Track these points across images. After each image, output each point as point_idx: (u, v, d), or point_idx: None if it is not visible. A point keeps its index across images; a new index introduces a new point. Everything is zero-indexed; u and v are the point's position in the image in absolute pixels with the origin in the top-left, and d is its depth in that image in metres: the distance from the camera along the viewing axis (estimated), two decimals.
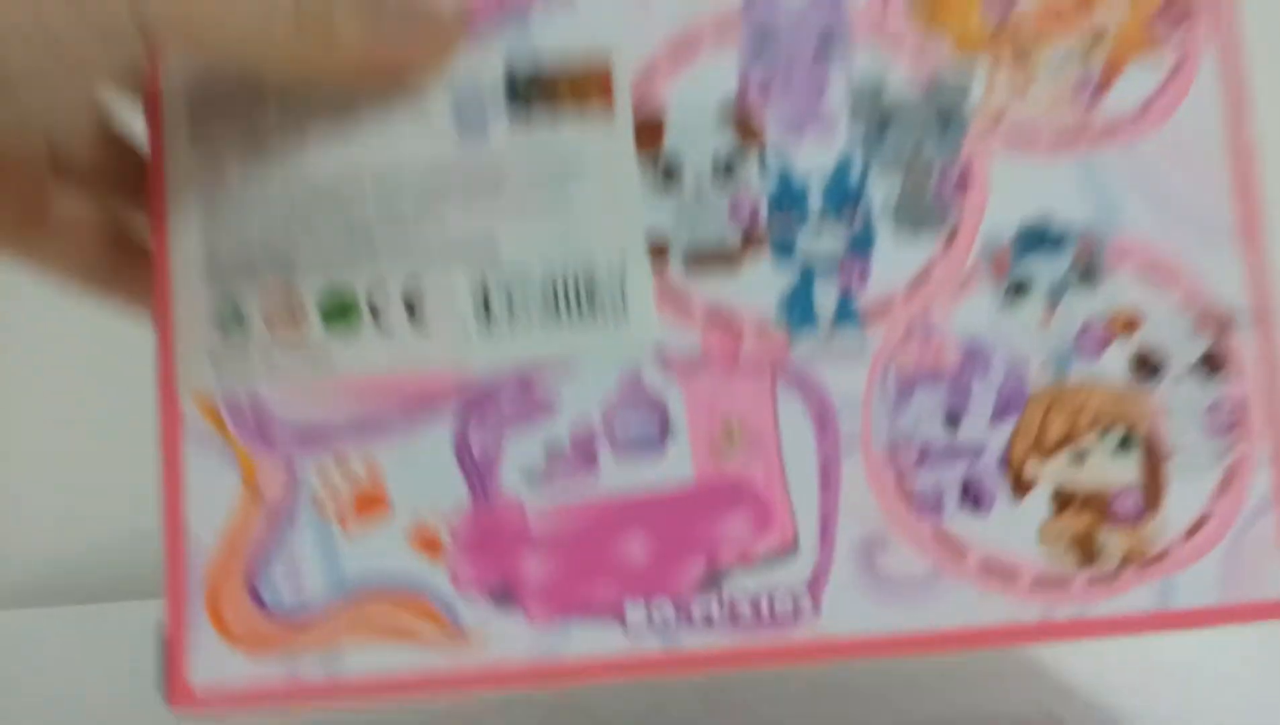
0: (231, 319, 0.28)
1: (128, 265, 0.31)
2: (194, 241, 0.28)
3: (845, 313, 0.29)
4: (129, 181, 0.30)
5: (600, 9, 0.30)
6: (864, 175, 0.29)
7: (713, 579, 0.28)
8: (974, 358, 0.29)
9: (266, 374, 0.28)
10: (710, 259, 0.29)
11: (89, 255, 0.31)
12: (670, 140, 0.29)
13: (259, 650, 0.28)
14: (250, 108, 0.29)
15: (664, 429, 0.28)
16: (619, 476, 0.29)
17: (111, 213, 0.32)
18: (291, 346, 0.28)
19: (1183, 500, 0.29)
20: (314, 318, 0.28)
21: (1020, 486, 0.29)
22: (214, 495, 0.28)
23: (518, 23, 0.30)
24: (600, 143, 0.29)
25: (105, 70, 0.26)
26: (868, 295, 0.30)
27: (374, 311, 0.28)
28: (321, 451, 0.28)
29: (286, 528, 0.28)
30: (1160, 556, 0.29)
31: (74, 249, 0.31)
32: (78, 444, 0.59)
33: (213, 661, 0.28)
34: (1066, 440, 0.29)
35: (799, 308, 0.29)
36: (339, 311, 0.28)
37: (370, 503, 0.28)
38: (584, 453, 0.28)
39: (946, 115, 0.30)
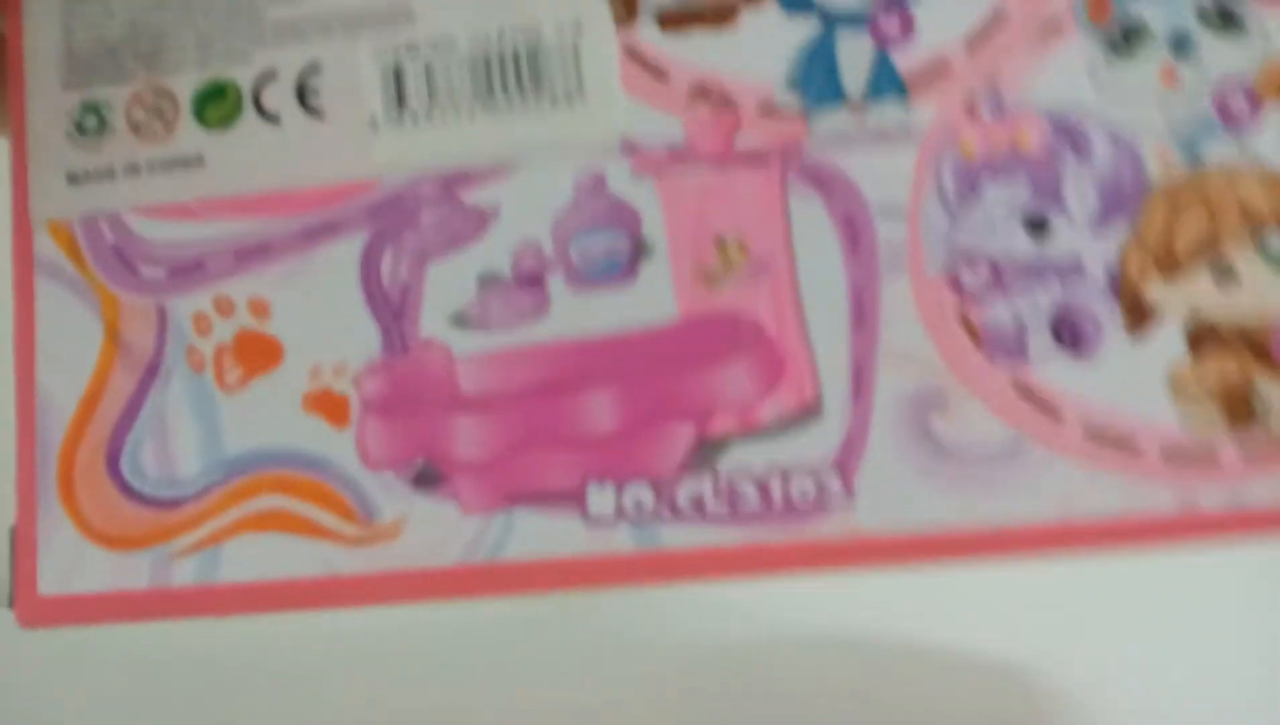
0: (92, 121, 0.22)
1: None
2: (51, 33, 0.23)
3: (883, 79, 0.22)
4: None
5: None
6: None
7: (704, 452, 0.21)
8: (1066, 137, 0.22)
9: (132, 191, 0.23)
10: (695, 11, 0.22)
11: None
12: None
13: (122, 546, 0.22)
14: None
15: (636, 247, 0.22)
16: (576, 313, 0.24)
17: None
18: (162, 155, 0.22)
19: None
20: (188, 118, 0.22)
21: (1138, 316, 0.21)
22: (72, 347, 0.24)
23: None
24: None
25: None
26: (914, 54, 0.24)
27: (260, 106, 0.22)
28: (197, 287, 0.22)
29: (156, 389, 0.23)
30: None
31: None
32: None
33: (67, 561, 0.23)
34: (1205, 248, 0.21)
35: (818, 74, 0.22)
36: (218, 109, 0.23)
37: (257, 353, 0.22)
38: (529, 281, 0.22)
39: None
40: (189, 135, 0.25)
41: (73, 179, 0.25)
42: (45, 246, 0.25)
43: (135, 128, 0.25)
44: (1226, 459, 0.23)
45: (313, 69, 0.24)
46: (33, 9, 0.25)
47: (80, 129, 0.25)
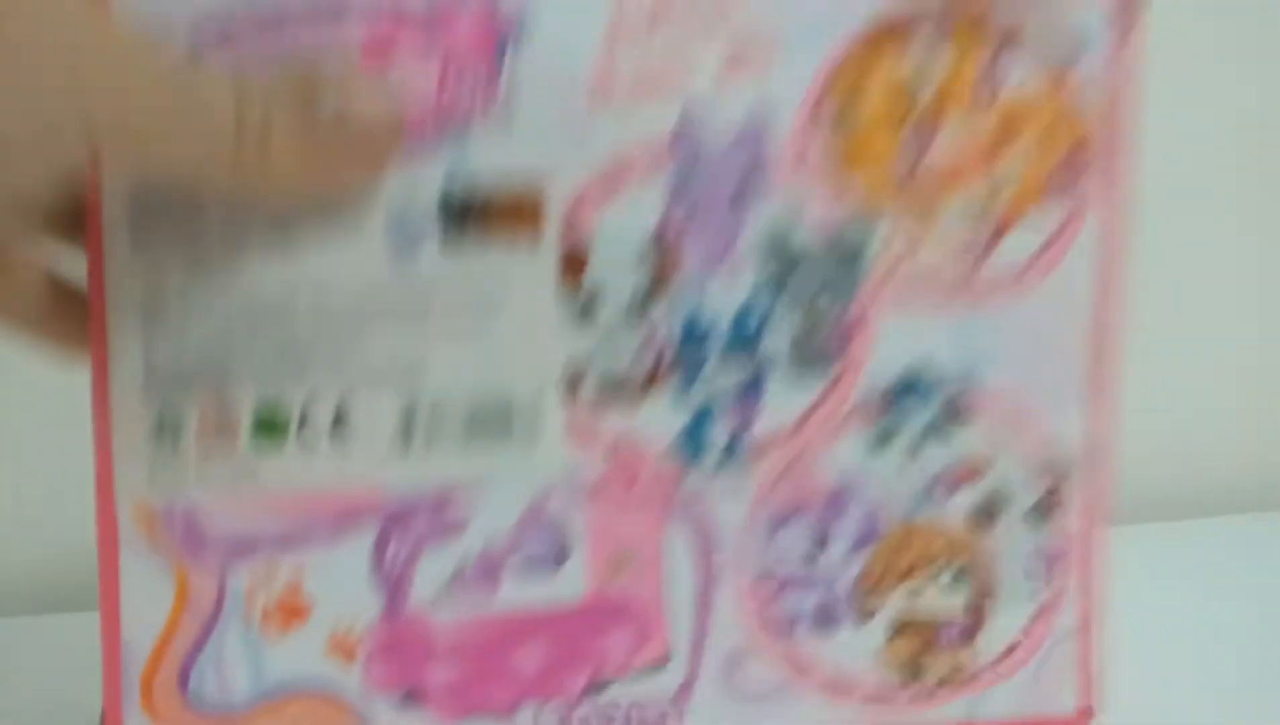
0: (168, 431, 0.32)
1: (65, 310, 0.34)
2: (133, 352, 0.33)
3: (734, 449, 0.35)
4: (67, 222, 0.33)
5: (537, 136, 0.35)
6: (766, 317, 0.34)
7: (595, 687, 0.34)
8: (840, 496, 0.35)
9: (199, 485, 0.32)
10: (620, 391, 0.36)
11: (29, 298, 0.34)
12: (592, 272, 0.34)
13: None
14: (190, 219, 0.31)
15: (563, 550, 0.34)
16: (518, 592, 0.36)
17: (50, 254, 0.35)
18: (223, 459, 0.31)
19: (998, 631, 0.37)
20: (245, 432, 0.31)
21: (865, 613, 0.35)
22: (149, 602, 0.35)
23: (455, 145, 0.34)
24: (526, 272, 0.35)
25: (46, 168, 0.28)
26: (755, 433, 0.37)
27: (303, 427, 0.32)
28: (250, 561, 0.33)
29: (216, 632, 0.34)
30: (972, 677, 0.35)
31: (13, 292, 0.33)
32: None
33: None
34: (908, 575, 0.35)
35: (694, 442, 0.35)
36: (270, 427, 0.33)
37: (293, 610, 0.33)
38: (489, 569, 0.34)
39: (846, 265, 0.35)
40: (247, 447, 0.33)
41: (152, 473, 0.33)
42: (128, 524, 0.33)
43: (203, 437, 0.33)
44: (900, 699, 0.38)
45: (345, 403, 0.33)
46: (116, 334, 0.32)
47: (159, 435, 0.33)
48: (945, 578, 0.39)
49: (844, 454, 0.37)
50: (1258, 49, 0.74)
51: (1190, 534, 0.69)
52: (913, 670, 0.39)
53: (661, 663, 0.37)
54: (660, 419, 0.36)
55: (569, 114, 0.34)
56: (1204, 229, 0.76)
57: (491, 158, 0.34)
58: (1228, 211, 0.77)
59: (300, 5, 0.33)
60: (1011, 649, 0.39)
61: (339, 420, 0.34)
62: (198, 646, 0.34)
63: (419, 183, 0.34)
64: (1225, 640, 0.52)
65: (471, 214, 0.34)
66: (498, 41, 0.34)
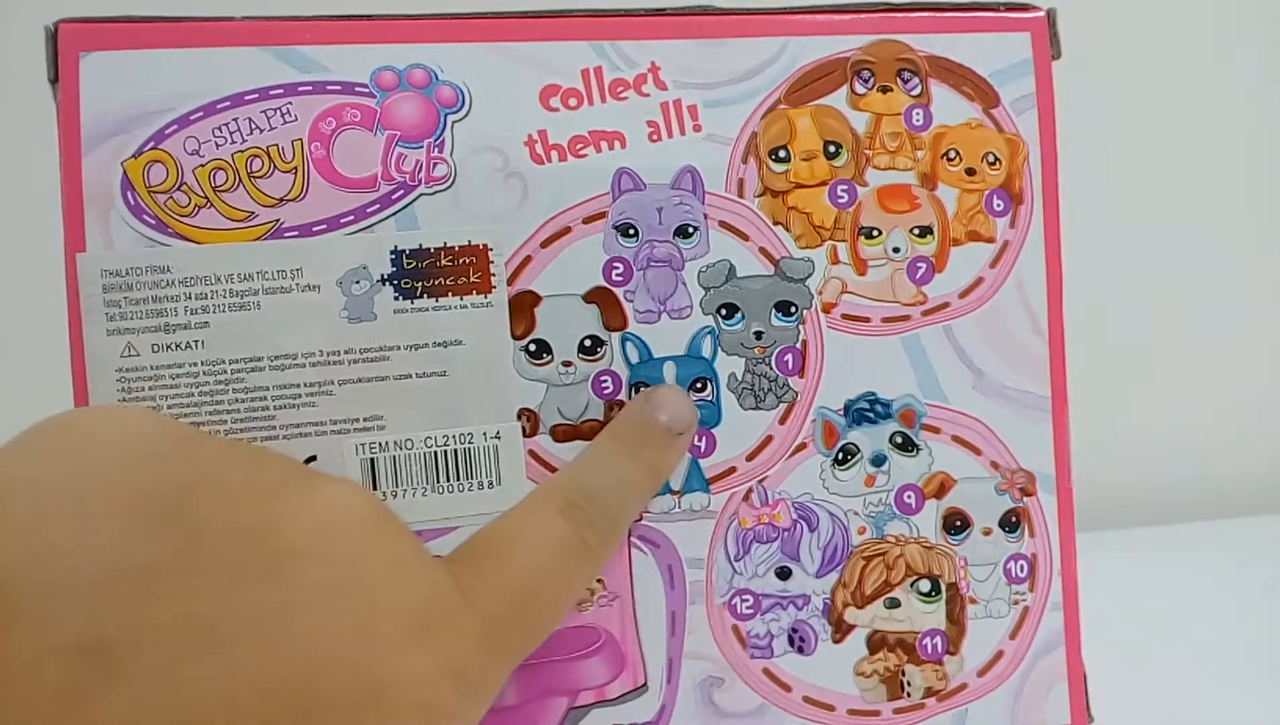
0: None
1: None
2: None
3: (694, 478, 0.36)
4: None
5: (481, 201, 0.39)
6: (713, 355, 0.35)
7: (573, 717, 0.35)
8: (804, 517, 0.36)
9: None
10: (575, 429, 0.36)
11: None
12: (542, 322, 0.35)
13: None
14: (160, 301, 0.33)
15: None
16: None
17: None
18: None
19: (980, 640, 0.37)
20: None
21: (840, 630, 0.37)
22: None
23: (404, 215, 0.38)
24: (478, 326, 0.36)
25: None
26: (713, 462, 0.37)
27: None
28: None
29: None
30: (958, 689, 0.37)
31: None
32: None
33: None
34: (881, 590, 0.36)
35: None
36: None
37: None
38: None
39: (789, 300, 0.36)
40: None
41: None
42: None
43: None
44: (885, 715, 0.39)
45: (311, 459, 0.37)
46: (96, 403, 0.36)
47: None
48: (920, 589, 0.40)
49: (805, 475, 0.40)
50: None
51: (1194, 537, 0.70)
52: (895, 684, 0.40)
53: (638, 689, 0.39)
54: None
55: (510, 176, 0.38)
56: (1221, 235, 0.77)
57: (439, 221, 0.38)
58: (1249, 219, 0.78)
59: (255, 94, 0.37)
60: (995, 658, 0.40)
61: None
62: None
63: (372, 248, 0.37)
64: (1228, 647, 0.53)
65: (422, 278, 0.38)
66: (439, 113, 0.38)
